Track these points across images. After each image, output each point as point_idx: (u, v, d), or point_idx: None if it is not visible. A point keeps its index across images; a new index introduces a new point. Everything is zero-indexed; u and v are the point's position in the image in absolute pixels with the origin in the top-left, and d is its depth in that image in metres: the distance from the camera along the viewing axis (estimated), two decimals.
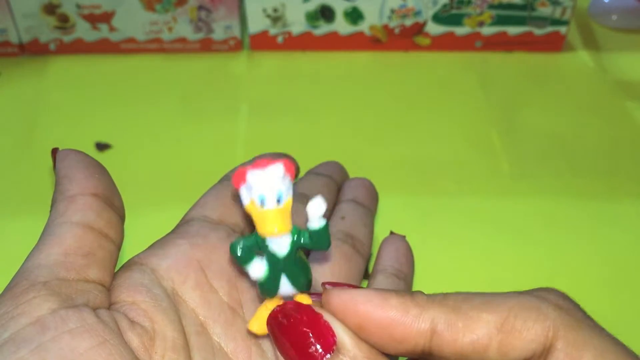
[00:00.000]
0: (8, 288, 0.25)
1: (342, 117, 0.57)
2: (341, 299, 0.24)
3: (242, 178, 0.24)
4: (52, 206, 0.30)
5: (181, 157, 0.53)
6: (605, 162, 0.53)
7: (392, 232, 0.40)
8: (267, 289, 0.25)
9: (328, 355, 0.22)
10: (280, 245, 0.24)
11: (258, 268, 0.24)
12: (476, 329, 0.22)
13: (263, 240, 0.24)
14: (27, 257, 0.27)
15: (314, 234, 0.25)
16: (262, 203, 0.24)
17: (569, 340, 0.22)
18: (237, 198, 0.28)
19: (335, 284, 0.25)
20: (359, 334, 0.23)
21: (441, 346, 0.23)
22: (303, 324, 0.23)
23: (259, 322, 0.25)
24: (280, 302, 0.25)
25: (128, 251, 0.47)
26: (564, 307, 0.23)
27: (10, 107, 0.57)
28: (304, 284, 0.25)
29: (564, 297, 0.24)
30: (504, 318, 0.22)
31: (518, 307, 0.23)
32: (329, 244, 0.25)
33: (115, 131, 0.55)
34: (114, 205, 0.30)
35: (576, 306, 0.24)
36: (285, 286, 0.25)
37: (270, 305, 0.25)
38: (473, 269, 0.45)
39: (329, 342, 0.23)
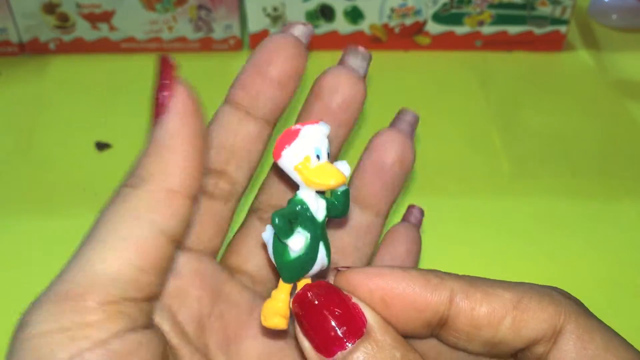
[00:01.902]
0: (67, 291, 0.23)
1: None
2: (366, 274, 0.24)
3: (293, 136, 0.24)
4: (137, 171, 0.26)
5: None
6: (605, 161, 0.53)
7: (408, 212, 0.36)
8: (302, 263, 0.24)
9: (357, 340, 0.22)
10: (319, 208, 0.24)
11: (299, 239, 0.24)
12: (493, 302, 0.23)
13: (303, 205, 0.24)
14: (90, 246, 0.24)
15: (336, 198, 0.25)
16: (318, 157, 0.24)
17: (580, 325, 0.23)
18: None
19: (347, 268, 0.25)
20: (383, 310, 0.23)
21: (457, 316, 0.23)
22: (334, 305, 0.23)
23: (272, 315, 0.24)
24: (288, 291, 0.24)
25: None
26: (571, 298, 0.24)
27: (10, 106, 0.57)
28: (330, 256, 0.24)
29: (569, 293, 0.25)
30: (519, 297, 0.23)
31: (532, 291, 0.24)
32: (347, 210, 0.25)
33: (115, 131, 0.55)
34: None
35: (580, 302, 0.25)
36: (321, 255, 0.24)
37: (279, 295, 0.24)
38: (473, 269, 0.45)
39: (359, 325, 0.22)
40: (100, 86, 0.59)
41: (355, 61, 0.30)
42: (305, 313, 0.23)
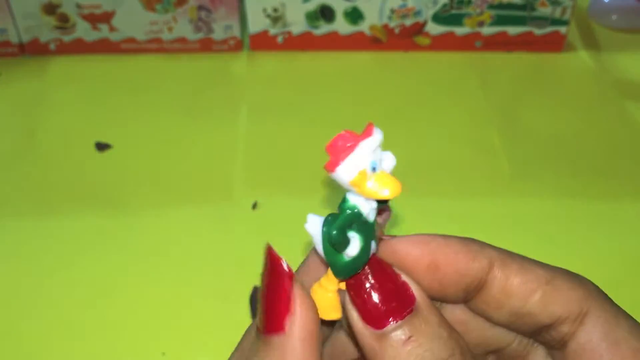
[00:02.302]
0: None
1: (342, 117, 0.57)
2: (411, 242, 0.24)
3: (349, 151, 0.24)
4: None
5: (181, 157, 0.53)
6: (606, 162, 0.53)
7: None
8: (355, 264, 0.24)
9: (407, 315, 0.22)
10: (372, 210, 0.24)
11: (354, 245, 0.23)
12: (527, 274, 0.24)
13: (355, 210, 0.24)
14: None
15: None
16: (374, 170, 0.24)
17: (606, 309, 0.24)
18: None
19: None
20: (429, 275, 0.24)
21: (493, 283, 0.24)
22: (385, 280, 0.23)
23: (329, 309, 0.24)
24: (337, 282, 0.24)
25: (127, 250, 0.47)
26: (598, 287, 0.25)
27: (10, 107, 0.57)
28: (377, 244, 0.25)
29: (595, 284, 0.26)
30: (552, 275, 0.24)
31: (564, 272, 0.24)
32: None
33: (115, 131, 0.55)
34: None
35: (605, 292, 0.25)
36: (373, 248, 0.24)
37: (329, 285, 0.24)
38: None
39: (409, 302, 0.23)
40: (101, 87, 0.59)
41: None
42: (357, 286, 0.23)
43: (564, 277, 0.24)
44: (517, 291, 0.24)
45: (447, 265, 0.24)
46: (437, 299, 0.25)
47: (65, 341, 0.42)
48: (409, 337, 0.22)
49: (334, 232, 0.23)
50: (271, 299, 0.23)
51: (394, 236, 0.25)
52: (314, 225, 0.24)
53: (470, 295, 0.25)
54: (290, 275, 0.23)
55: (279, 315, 0.22)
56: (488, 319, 0.25)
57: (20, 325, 0.42)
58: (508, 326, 0.25)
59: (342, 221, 0.23)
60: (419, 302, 0.23)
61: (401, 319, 0.22)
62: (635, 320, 0.24)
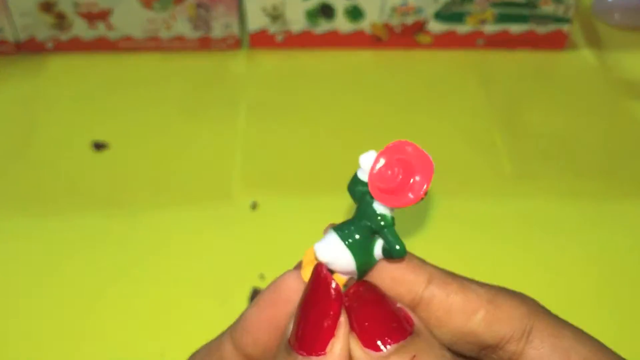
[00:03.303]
0: None
1: (342, 116, 0.56)
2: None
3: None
4: None
5: (179, 156, 0.53)
6: (608, 161, 0.53)
7: None
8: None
9: (409, 336, 0.22)
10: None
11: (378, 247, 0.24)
12: (468, 293, 0.24)
13: (377, 214, 0.24)
14: None
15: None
16: None
17: (549, 323, 0.24)
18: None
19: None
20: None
21: (432, 299, 0.24)
22: (387, 304, 0.23)
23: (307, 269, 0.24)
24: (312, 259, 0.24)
25: (125, 250, 0.46)
26: (536, 301, 0.25)
27: (6, 106, 0.57)
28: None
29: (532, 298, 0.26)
30: (493, 294, 0.24)
31: (504, 291, 0.25)
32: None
33: (112, 130, 0.54)
34: None
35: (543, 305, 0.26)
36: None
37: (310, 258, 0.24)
38: (474, 269, 0.45)
39: (409, 323, 0.23)
40: (98, 85, 0.59)
41: None
42: (359, 306, 0.23)
43: (505, 295, 0.24)
44: (459, 309, 0.24)
45: (381, 271, 0.24)
46: None
47: (64, 341, 0.41)
48: (413, 357, 0.22)
49: (403, 246, 0.23)
50: (317, 320, 0.22)
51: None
52: (334, 246, 0.24)
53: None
54: (340, 300, 0.23)
55: (323, 338, 0.22)
56: None
57: (19, 325, 0.42)
58: (451, 347, 0.25)
59: (393, 231, 0.24)
60: (417, 324, 0.23)
61: (403, 340, 0.22)
62: (577, 328, 0.24)
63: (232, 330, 0.26)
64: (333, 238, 0.24)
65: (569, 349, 0.23)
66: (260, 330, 0.25)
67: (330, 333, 0.22)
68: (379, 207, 0.24)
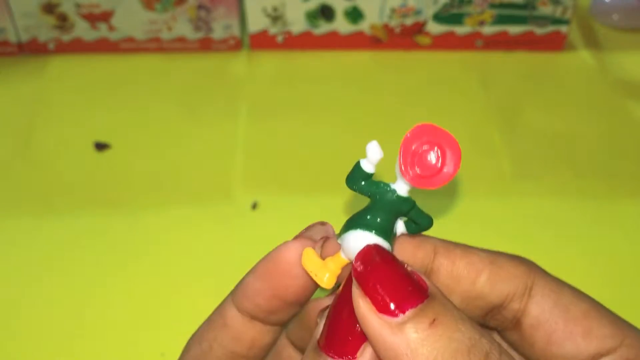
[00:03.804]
0: None
1: (342, 116, 0.56)
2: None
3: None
4: None
5: (180, 156, 0.53)
6: (607, 162, 0.53)
7: None
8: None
9: (425, 300, 0.21)
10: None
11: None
12: (470, 258, 0.25)
13: (403, 198, 0.24)
14: None
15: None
16: None
17: (549, 281, 0.25)
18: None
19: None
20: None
21: (439, 269, 0.25)
22: (401, 268, 0.22)
23: (328, 276, 0.24)
24: (338, 262, 0.24)
25: (126, 250, 0.46)
26: (535, 263, 0.26)
27: (8, 106, 0.57)
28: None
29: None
30: (493, 257, 0.25)
31: (504, 254, 0.26)
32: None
33: (114, 131, 0.55)
34: None
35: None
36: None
37: (331, 265, 0.24)
38: None
39: (423, 287, 0.22)
40: (100, 86, 0.59)
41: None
42: (371, 270, 0.22)
43: (505, 257, 0.25)
44: (464, 274, 0.25)
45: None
46: None
47: (64, 341, 0.41)
48: (433, 321, 0.20)
49: (430, 216, 0.24)
50: (349, 323, 0.22)
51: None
52: (362, 241, 0.24)
53: None
54: None
55: (354, 342, 0.22)
56: None
57: (19, 325, 0.42)
58: None
59: (417, 207, 0.25)
60: (431, 287, 0.22)
61: (421, 303, 0.21)
62: (574, 287, 0.25)
63: (233, 296, 0.27)
64: (359, 234, 0.23)
65: (569, 305, 0.24)
66: (260, 297, 0.25)
67: (363, 337, 0.22)
68: (402, 191, 0.24)
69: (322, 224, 0.26)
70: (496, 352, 0.20)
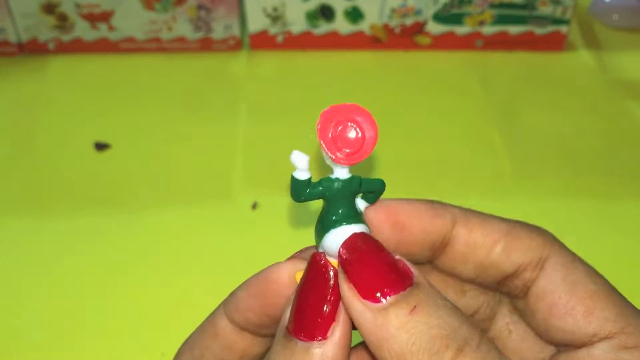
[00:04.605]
0: None
1: None
2: (377, 206, 0.25)
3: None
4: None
5: (180, 156, 0.53)
6: (607, 161, 0.53)
7: None
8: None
9: (409, 287, 0.22)
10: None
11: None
12: (488, 227, 0.25)
13: (349, 179, 0.25)
14: None
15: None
16: None
17: (564, 255, 0.25)
18: None
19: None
20: (395, 235, 0.25)
21: (457, 238, 0.25)
22: (386, 256, 0.22)
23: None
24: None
25: (126, 250, 0.47)
26: (555, 236, 0.26)
27: (9, 107, 0.57)
28: None
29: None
30: (511, 226, 0.25)
31: (523, 224, 0.26)
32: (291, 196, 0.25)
33: (114, 131, 0.55)
34: None
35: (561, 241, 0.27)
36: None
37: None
38: None
39: (408, 275, 0.22)
40: (100, 86, 0.59)
41: None
42: (357, 257, 0.22)
43: (522, 227, 0.25)
44: (481, 243, 0.25)
45: (412, 225, 0.25)
46: (407, 258, 0.25)
47: (65, 341, 0.41)
48: (414, 308, 0.21)
49: (381, 179, 0.25)
50: (317, 305, 0.22)
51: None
52: (342, 235, 0.24)
53: (436, 253, 0.26)
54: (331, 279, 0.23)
55: (323, 323, 0.22)
56: (456, 275, 0.26)
57: (19, 325, 0.42)
58: (474, 280, 0.26)
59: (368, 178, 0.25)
60: (417, 276, 0.22)
61: (403, 290, 0.21)
62: (590, 266, 0.25)
63: (224, 306, 0.27)
64: (333, 234, 0.23)
65: (577, 282, 0.24)
66: (251, 312, 0.25)
67: (331, 318, 0.22)
68: (343, 174, 0.24)
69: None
70: (475, 340, 0.21)
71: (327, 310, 0.22)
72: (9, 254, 0.46)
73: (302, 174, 0.25)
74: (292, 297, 0.23)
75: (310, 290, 0.23)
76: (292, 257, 0.26)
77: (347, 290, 0.22)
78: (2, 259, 0.46)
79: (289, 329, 0.23)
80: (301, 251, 0.26)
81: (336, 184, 0.24)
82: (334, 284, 0.22)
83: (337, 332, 0.22)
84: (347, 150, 0.24)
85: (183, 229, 0.48)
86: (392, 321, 0.21)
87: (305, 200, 0.25)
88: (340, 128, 0.25)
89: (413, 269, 0.22)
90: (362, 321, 0.21)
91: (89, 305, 0.43)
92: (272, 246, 0.47)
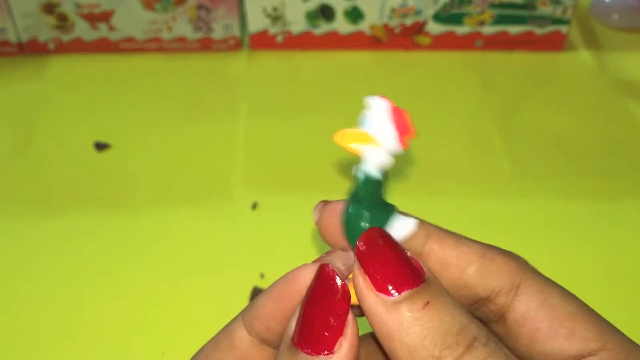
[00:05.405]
0: None
1: (342, 116, 0.56)
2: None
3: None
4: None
5: (180, 157, 0.53)
6: (607, 161, 0.53)
7: None
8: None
9: (422, 284, 0.22)
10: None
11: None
12: (462, 247, 0.25)
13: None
14: None
15: (356, 178, 0.25)
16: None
17: (538, 280, 0.25)
18: None
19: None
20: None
21: (429, 254, 0.25)
22: (401, 252, 0.23)
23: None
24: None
25: (126, 250, 0.47)
26: (527, 262, 0.26)
27: (9, 106, 0.57)
28: None
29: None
30: (485, 249, 0.25)
31: (495, 248, 0.26)
32: (361, 196, 0.25)
33: (114, 131, 0.55)
34: None
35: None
36: None
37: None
38: None
39: (420, 271, 0.23)
40: (100, 86, 0.59)
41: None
42: (373, 251, 0.23)
43: (496, 251, 0.25)
44: (454, 262, 0.25)
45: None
46: None
47: (65, 341, 0.41)
48: (427, 303, 0.21)
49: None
50: (324, 318, 0.22)
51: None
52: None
53: None
54: (348, 298, 0.23)
55: (330, 336, 0.22)
56: None
57: (19, 324, 0.42)
58: None
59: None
60: (428, 274, 0.23)
61: (416, 286, 0.22)
62: (563, 287, 0.25)
63: (243, 316, 0.26)
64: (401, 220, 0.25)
65: (555, 305, 0.24)
66: (272, 320, 0.25)
67: (339, 332, 0.22)
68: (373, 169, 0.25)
69: (344, 250, 0.26)
70: (484, 338, 0.21)
71: (335, 323, 0.22)
72: (9, 254, 0.46)
73: (377, 172, 0.25)
74: (298, 308, 0.23)
75: (318, 302, 0.23)
76: (318, 260, 0.26)
77: (362, 281, 0.22)
78: (2, 259, 0.46)
79: (294, 340, 0.22)
80: (327, 253, 0.26)
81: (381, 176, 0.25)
82: (342, 296, 0.23)
83: (345, 346, 0.22)
84: (407, 135, 0.25)
85: (183, 229, 0.48)
86: (405, 315, 0.21)
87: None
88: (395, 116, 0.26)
89: (424, 267, 0.23)
90: (375, 313, 0.22)
91: (89, 305, 0.43)
92: (272, 246, 0.47)
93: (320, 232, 0.27)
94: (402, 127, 0.25)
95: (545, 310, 0.24)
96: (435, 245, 0.25)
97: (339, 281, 0.23)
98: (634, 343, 0.24)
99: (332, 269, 0.23)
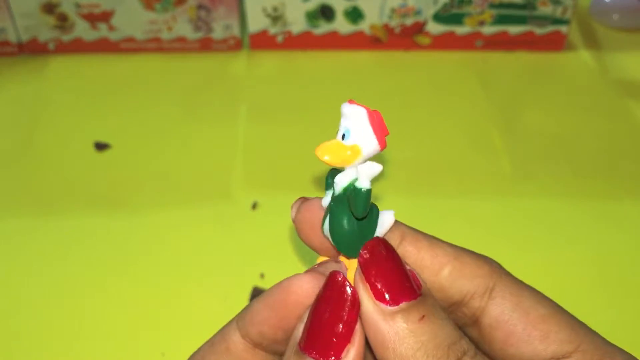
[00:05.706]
0: None
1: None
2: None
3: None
4: None
5: (180, 156, 0.53)
6: (607, 162, 0.53)
7: None
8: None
9: (419, 296, 0.23)
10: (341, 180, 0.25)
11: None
12: (436, 249, 0.26)
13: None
14: None
15: (352, 193, 0.25)
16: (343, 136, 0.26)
17: (510, 283, 0.25)
18: None
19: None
20: None
21: (404, 255, 0.25)
22: (402, 265, 0.23)
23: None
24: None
25: (126, 250, 0.47)
26: (500, 265, 0.26)
27: (9, 106, 0.57)
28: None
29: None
30: (458, 252, 0.26)
31: (469, 251, 0.26)
32: (361, 212, 0.24)
33: (114, 131, 0.55)
34: None
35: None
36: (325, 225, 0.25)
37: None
38: None
39: (418, 284, 0.23)
40: (100, 86, 0.59)
41: None
42: (376, 261, 0.23)
43: (470, 254, 0.26)
44: (428, 264, 0.25)
45: None
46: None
47: (65, 341, 0.41)
48: (423, 317, 0.22)
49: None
50: (332, 324, 0.23)
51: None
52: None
53: None
54: (358, 306, 0.23)
55: (338, 343, 0.22)
56: None
57: (19, 325, 0.42)
58: None
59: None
60: (425, 288, 0.23)
61: (414, 299, 0.22)
62: (536, 290, 0.26)
63: (238, 320, 0.26)
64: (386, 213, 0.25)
65: (529, 309, 0.25)
66: (266, 325, 0.25)
67: (347, 339, 0.22)
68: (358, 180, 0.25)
69: (336, 262, 0.26)
70: (472, 353, 0.22)
71: (343, 330, 0.23)
72: (9, 254, 0.46)
73: (369, 183, 0.25)
74: (306, 314, 0.23)
75: (327, 308, 0.23)
76: (311, 270, 0.26)
77: (362, 289, 0.23)
78: (2, 259, 0.46)
79: (302, 345, 0.23)
80: (320, 264, 0.26)
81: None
82: (351, 304, 0.23)
83: (352, 353, 0.22)
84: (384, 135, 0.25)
85: (183, 228, 0.48)
86: (401, 325, 0.22)
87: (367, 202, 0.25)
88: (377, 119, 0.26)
89: (423, 282, 0.23)
90: (372, 320, 0.22)
91: (89, 305, 0.43)
92: (272, 246, 0.47)
93: (297, 230, 0.27)
94: (380, 129, 0.25)
95: (519, 313, 0.25)
96: (410, 246, 0.25)
97: (349, 289, 0.23)
98: (609, 343, 0.24)
99: (343, 277, 0.23)
